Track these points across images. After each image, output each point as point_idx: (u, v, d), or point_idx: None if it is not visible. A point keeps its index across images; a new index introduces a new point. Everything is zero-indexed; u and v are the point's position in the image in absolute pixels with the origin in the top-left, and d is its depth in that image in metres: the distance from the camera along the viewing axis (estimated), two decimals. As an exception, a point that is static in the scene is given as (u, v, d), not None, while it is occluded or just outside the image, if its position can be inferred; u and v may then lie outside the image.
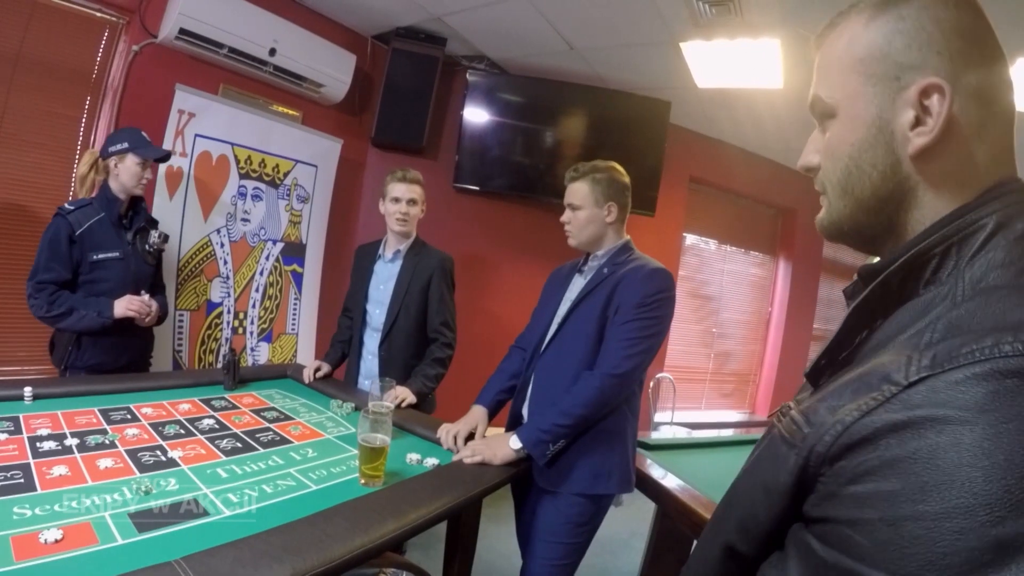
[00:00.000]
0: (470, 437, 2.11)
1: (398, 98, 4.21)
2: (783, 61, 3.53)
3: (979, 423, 0.46)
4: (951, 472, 0.45)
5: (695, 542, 0.85)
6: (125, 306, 2.42)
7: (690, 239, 5.99)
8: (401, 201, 2.67)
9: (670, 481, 2.30)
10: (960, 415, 0.47)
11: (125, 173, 2.48)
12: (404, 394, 2.42)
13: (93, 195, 2.56)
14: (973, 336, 0.51)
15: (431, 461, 1.90)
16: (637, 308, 1.98)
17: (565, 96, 4.59)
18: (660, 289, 2.01)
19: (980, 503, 0.43)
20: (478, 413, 2.23)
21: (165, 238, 2.67)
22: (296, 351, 3.96)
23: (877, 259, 0.72)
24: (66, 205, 2.42)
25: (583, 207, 2.14)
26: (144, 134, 2.55)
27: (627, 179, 2.20)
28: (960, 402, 0.47)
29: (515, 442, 1.92)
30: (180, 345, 3.39)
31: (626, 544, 3.68)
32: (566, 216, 2.18)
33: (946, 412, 0.47)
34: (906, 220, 0.68)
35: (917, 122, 0.64)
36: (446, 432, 2.10)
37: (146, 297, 2.51)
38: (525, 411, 2.20)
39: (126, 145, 2.47)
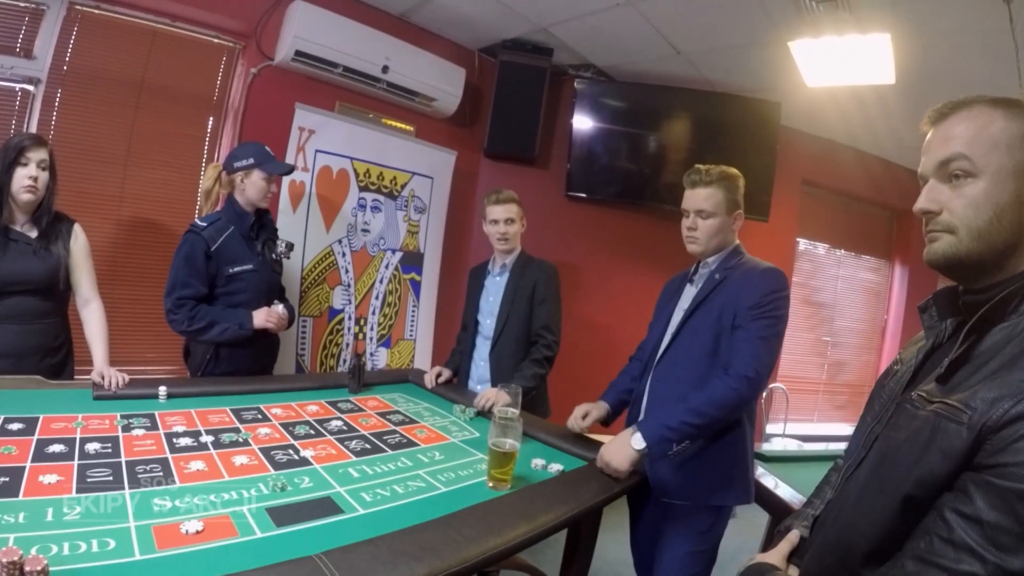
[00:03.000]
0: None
1: (508, 109, 4.21)
2: (895, 56, 3.31)
3: None
4: None
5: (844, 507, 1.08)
6: (264, 318, 2.48)
7: (803, 244, 5.70)
8: (499, 222, 2.76)
9: (783, 491, 2.27)
10: None
11: (252, 188, 2.51)
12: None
13: (218, 208, 2.62)
14: None
15: (555, 467, 1.87)
16: (755, 309, 1.89)
17: (673, 101, 4.47)
18: (776, 288, 1.93)
19: None
20: (599, 404, 2.24)
21: (291, 247, 2.72)
22: (414, 356, 4.02)
23: (953, 284, 1.02)
24: (198, 222, 2.47)
25: (716, 214, 2.01)
26: (268, 148, 2.58)
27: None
28: None
29: (638, 441, 1.81)
30: (303, 350, 3.49)
31: (733, 559, 3.47)
32: (691, 222, 2.05)
33: None
34: (1011, 263, 0.93)
35: None
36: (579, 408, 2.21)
37: (280, 308, 2.56)
38: None
39: (252, 161, 2.50)
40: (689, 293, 2.12)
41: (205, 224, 2.45)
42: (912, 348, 1.15)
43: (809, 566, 1.13)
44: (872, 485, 1.00)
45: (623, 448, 1.82)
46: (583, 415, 2.16)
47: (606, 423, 2.23)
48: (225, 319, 2.41)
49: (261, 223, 2.64)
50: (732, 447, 1.97)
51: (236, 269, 2.48)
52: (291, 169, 2.66)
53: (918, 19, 2.99)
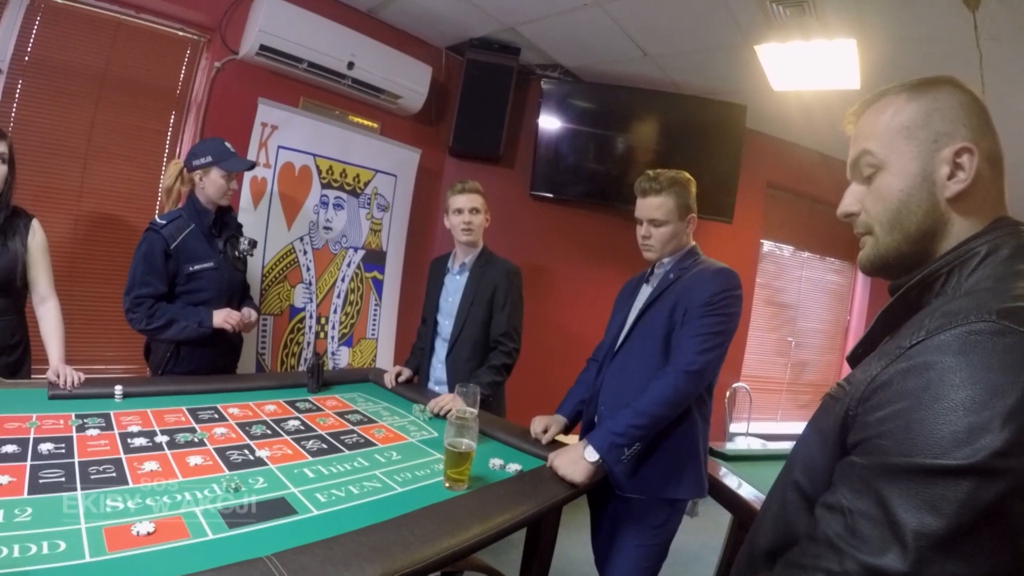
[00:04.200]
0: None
1: (474, 108, 4.21)
2: (860, 61, 3.39)
3: (954, 362, 0.70)
4: (938, 391, 0.70)
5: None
6: (224, 318, 2.45)
7: (767, 246, 5.80)
8: (464, 211, 2.69)
9: (746, 491, 2.28)
10: (942, 359, 0.71)
11: (211, 186, 2.49)
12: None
13: (180, 205, 2.59)
14: (958, 316, 0.74)
15: (514, 467, 1.87)
16: (705, 307, 1.94)
17: (639, 102, 4.51)
18: (726, 287, 1.98)
19: (957, 405, 0.68)
20: (556, 418, 2.24)
21: (254, 244, 2.70)
22: (375, 356, 4.00)
23: None
24: (158, 220, 2.45)
25: (668, 222, 2.07)
26: (228, 144, 2.55)
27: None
28: (943, 351, 0.72)
29: (591, 453, 1.85)
30: (263, 348, 3.47)
31: (697, 557, 3.61)
32: (645, 230, 2.10)
33: (934, 358, 0.72)
34: (937, 249, 0.90)
35: (951, 174, 0.86)
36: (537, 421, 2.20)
37: (246, 311, 2.56)
38: (597, 419, 2.17)
39: (210, 159, 2.47)
40: (645, 292, 2.18)
41: (164, 222, 2.43)
42: None
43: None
44: (782, 472, 1.00)
45: (577, 461, 1.84)
46: (543, 430, 2.16)
47: (563, 432, 2.26)
48: (184, 317, 2.39)
49: (223, 221, 2.62)
50: (682, 440, 2.01)
51: (196, 267, 2.47)
52: (251, 165, 2.65)
53: (884, 26, 3.05)
